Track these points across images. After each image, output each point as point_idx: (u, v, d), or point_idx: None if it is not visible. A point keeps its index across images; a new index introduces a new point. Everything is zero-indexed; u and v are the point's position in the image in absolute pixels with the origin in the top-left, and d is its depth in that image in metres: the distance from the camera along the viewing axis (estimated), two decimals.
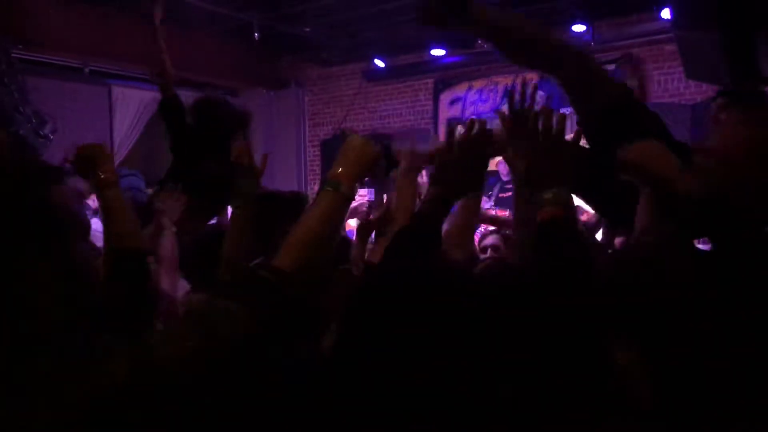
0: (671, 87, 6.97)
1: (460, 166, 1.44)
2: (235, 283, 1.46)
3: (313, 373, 1.20)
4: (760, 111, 1.52)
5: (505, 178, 6.38)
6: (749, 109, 1.49)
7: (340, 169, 1.23)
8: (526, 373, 1.16)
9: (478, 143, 1.47)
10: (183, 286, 2.08)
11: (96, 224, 3.09)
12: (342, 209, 1.23)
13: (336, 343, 1.31)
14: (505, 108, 1.50)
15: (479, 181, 1.52)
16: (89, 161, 1.59)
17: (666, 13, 6.20)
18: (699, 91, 5.68)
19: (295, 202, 2.22)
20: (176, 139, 3.10)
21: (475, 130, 1.46)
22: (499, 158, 6.29)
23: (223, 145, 2.74)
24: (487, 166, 1.52)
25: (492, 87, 8.10)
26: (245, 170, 1.77)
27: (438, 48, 7.79)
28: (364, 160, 1.27)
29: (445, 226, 1.67)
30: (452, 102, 8.35)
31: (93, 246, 2.40)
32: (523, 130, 1.37)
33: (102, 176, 1.57)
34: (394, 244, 1.41)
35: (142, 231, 1.86)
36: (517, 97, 1.42)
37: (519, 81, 1.49)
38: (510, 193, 4.96)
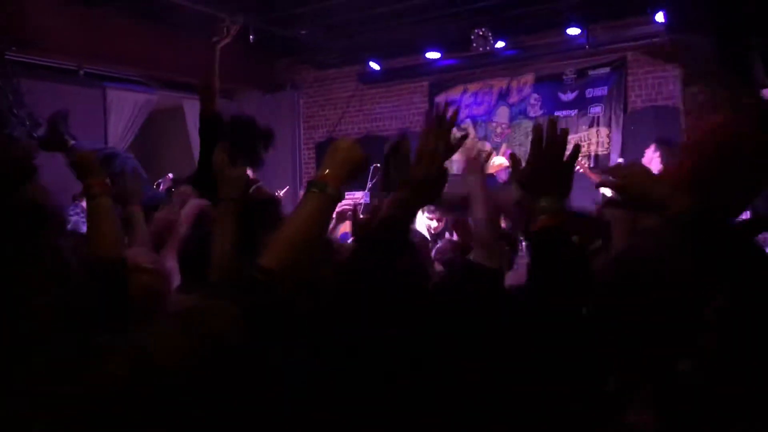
0: (665, 90, 7.01)
1: (426, 174, 1.42)
2: (227, 283, 1.47)
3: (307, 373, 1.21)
4: (749, 109, 1.52)
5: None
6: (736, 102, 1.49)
7: (327, 171, 1.24)
8: (523, 375, 1.17)
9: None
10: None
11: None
12: (328, 211, 1.23)
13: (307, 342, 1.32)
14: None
15: (442, 187, 1.51)
16: (84, 168, 1.73)
17: (660, 17, 6.23)
18: None
19: (267, 205, 2.23)
20: (205, 148, 3.35)
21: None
22: (497, 163, 6.25)
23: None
24: (446, 176, 1.50)
25: (487, 90, 8.11)
26: (225, 179, 1.83)
27: (433, 51, 7.80)
28: (351, 162, 1.28)
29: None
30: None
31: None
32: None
33: (92, 186, 1.70)
34: (359, 249, 1.41)
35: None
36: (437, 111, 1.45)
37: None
38: None
